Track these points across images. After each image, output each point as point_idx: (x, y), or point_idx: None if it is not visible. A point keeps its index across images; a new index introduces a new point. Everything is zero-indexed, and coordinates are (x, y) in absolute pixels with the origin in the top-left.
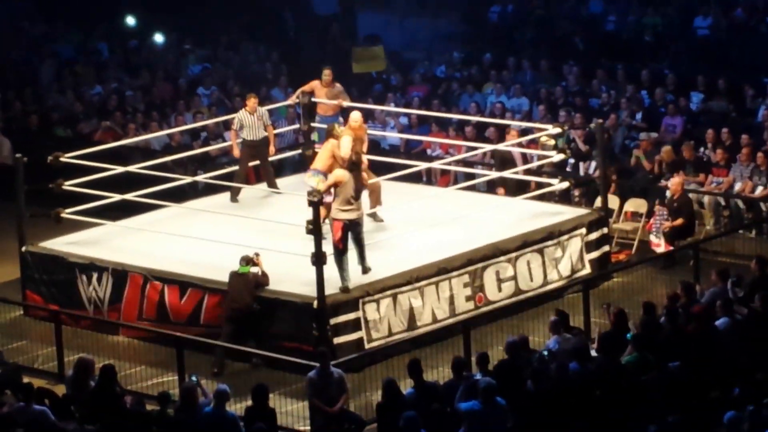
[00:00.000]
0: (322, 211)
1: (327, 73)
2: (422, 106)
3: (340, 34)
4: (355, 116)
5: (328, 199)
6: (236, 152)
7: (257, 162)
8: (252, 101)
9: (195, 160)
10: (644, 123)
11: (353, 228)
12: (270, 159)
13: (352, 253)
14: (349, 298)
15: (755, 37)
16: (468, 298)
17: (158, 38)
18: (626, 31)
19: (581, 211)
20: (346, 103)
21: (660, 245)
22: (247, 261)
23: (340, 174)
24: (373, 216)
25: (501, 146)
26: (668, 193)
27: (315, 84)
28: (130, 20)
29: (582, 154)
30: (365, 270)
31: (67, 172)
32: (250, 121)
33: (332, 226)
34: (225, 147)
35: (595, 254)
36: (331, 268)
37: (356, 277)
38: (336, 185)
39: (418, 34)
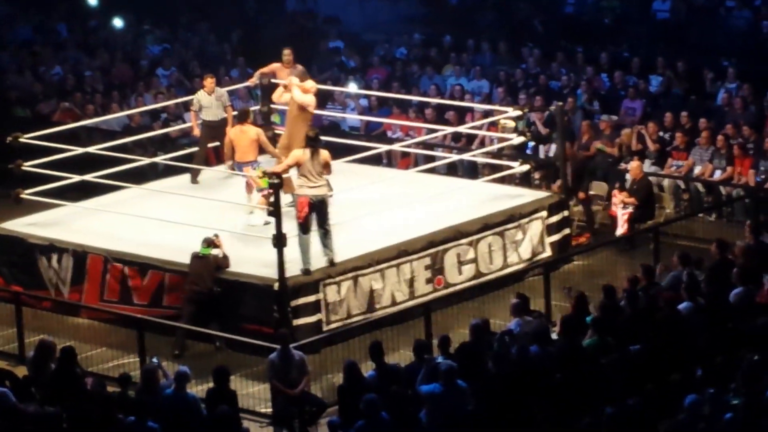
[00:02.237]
0: (261, 200)
1: (287, 53)
2: (382, 88)
3: (300, 14)
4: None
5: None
6: (196, 132)
7: (217, 143)
8: (209, 81)
9: (155, 141)
10: (600, 108)
11: (320, 205)
12: None
13: (315, 236)
14: (310, 280)
15: (714, 21)
16: (428, 281)
17: (117, 23)
18: (585, 14)
19: (542, 194)
20: (311, 84)
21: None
22: (209, 243)
23: (299, 153)
24: None
25: (461, 128)
26: (628, 177)
27: (276, 66)
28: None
29: (542, 137)
30: (329, 260)
31: (27, 152)
32: (209, 101)
33: (297, 203)
34: (185, 128)
35: (555, 237)
36: (292, 250)
37: (317, 260)
38: (297, 165)
39: (378, 15)
